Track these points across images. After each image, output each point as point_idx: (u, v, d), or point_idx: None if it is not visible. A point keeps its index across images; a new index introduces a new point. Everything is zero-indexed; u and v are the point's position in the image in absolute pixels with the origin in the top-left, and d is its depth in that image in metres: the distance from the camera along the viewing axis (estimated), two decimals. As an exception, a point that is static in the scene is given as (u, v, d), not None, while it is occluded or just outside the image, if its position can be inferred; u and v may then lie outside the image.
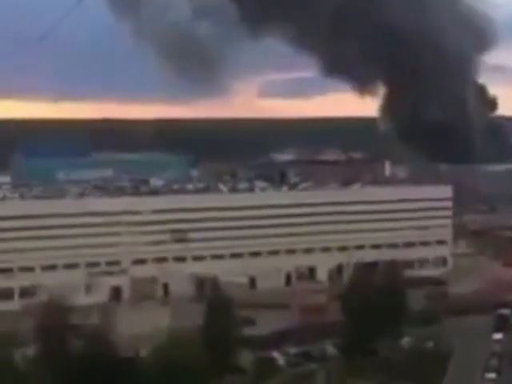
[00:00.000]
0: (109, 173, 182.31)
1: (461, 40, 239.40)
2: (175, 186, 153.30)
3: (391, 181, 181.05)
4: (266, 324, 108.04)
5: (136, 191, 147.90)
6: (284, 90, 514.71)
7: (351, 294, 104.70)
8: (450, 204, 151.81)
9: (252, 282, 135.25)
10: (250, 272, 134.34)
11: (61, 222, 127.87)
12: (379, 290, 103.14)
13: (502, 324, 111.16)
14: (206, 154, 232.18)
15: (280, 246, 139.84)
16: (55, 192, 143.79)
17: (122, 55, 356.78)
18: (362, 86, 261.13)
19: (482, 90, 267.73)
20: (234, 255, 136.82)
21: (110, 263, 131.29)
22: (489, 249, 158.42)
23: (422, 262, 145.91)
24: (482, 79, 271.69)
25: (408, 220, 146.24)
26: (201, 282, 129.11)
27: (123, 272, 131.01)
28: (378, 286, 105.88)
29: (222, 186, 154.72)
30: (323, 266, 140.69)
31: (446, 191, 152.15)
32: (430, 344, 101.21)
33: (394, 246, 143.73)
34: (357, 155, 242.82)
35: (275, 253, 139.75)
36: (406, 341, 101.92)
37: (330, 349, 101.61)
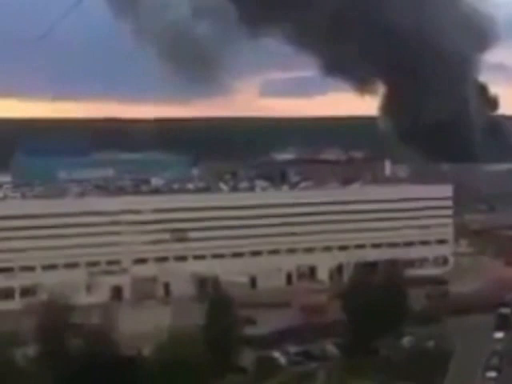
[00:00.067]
0: (109, 172, 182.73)
1: (461, 39, 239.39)
2: (176, 186, 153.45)
3: (391, 180, 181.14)
4: (267, 323, 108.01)
5: (137, 190, 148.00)
6: (284, 90, 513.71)
7: (352, 294, 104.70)
8: (450, 203, 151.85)
9: (253, 282, 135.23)
10: (250, 271, 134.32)
11: (62, 222, 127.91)
12: (380, 290, 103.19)
13: (502, 323, 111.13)
14: (206, 154, 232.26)
15: (281, 245, 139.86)
16: (56, 191, 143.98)
17: (122, 55, 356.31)
18: (363, 85, 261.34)
19: (482, 89, 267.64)
20: (235, 254, 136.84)
21: (110, 262, 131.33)
22: (490, 248, 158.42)
23: (423, 262, 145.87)
24: (482, 78, 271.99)
25: (408, 219, 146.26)
26: (202, 282, 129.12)
27: (124, 271, 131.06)
28: (379, 285, 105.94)
29: (222, 186, 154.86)
30: (324, 265, 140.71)
31: (447, 190, 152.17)
32: (431, 343, 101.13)
33: (394, 245, 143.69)
34: (357, 154, 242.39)
35: (276, 252, 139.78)
36: (406, 340, 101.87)
37: (331, 348, 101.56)
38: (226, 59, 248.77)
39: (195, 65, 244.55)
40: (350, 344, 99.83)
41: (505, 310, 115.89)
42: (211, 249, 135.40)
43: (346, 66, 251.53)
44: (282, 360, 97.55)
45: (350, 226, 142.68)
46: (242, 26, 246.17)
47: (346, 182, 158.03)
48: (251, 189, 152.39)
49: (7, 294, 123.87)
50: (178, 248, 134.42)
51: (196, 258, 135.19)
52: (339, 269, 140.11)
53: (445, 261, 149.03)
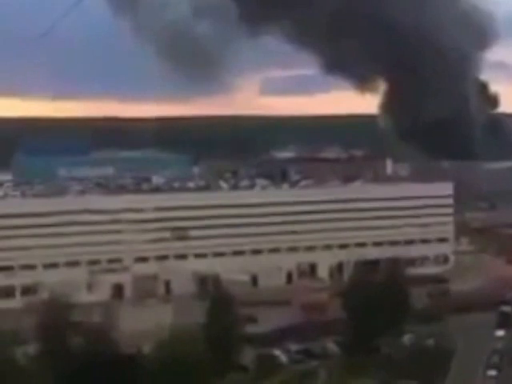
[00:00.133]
0: (110, 171, 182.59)
1: (462, 37, 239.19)
2: (176, 184, 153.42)
3: (392, 178, 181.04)
4: (268, 321, 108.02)
5: (138, 189, 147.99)
6: (285, 88, 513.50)
7: (352, 292, 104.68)
8: (451, 201, 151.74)
9: (254, 280, 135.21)
10: (251, 270, 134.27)
11: (62, 220, 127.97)
12: (380, 288, 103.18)
13: (503, 321, 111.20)
14: (207, 152, 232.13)
15: (281, 243, 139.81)
16: (57, 190, 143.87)
17: (122, 54, 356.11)
18: (363, 83, 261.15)
19: (483, 87, 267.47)
20: (236, 253, 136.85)
21: (111, 261, 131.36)
22: (491, 246, 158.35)
23: (424, 260, 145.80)
24: (483, 76, 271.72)
25: (409, 217, 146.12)
26: (202, 280, 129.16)
27: (125, 270, 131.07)
28: (380, 283, 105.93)
29: (223, 184, 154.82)
30: (324, 263, 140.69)
31: (447, 188, 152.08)
32: (432, 341, 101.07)
33: (395, 243, 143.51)
34: (358, 153, 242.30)
35: (276, 250, 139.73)
36: (407, 338, 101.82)
37: (332, 346, 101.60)
38: (226, 57, 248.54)
39: (195, 63, 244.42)
40: (350, 342, 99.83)
41: (506, 308, 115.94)
42: (212, 247, 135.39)
43: (346, 64, 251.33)
44: (283, 358, 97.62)
45: (351, 224, 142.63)
46: (243, 24, 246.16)
47: (347, 180, 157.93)
48: (252, 187, 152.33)
49: (8, 292, 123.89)
50: (178, 246, 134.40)
51: (197, 256, 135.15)
52: (340, 267, 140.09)
53: (445, 259, 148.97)
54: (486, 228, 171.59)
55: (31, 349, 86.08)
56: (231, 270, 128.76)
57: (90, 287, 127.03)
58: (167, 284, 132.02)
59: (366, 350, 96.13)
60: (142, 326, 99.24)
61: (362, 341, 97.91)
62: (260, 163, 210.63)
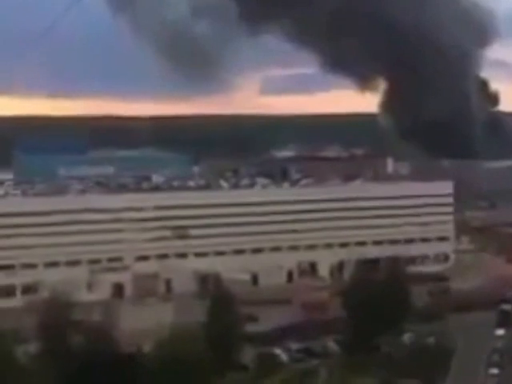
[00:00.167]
0: (110, 170, 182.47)
1: (462, 35, 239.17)
2: (176, 183, 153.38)
3: (393, 177, 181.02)
4: (268, 320, 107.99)
5: (138, 188, 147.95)
6: (285, 87, 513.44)
7: (353, 291, 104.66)
8: (451, 200, 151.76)
9: (254, 279, 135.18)
10: (251, 268, 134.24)
11: (63, 219, 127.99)
12: (381, 286, 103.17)
13: (504, 320, 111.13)
14: (207, 151, 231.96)
15: (282, 242, 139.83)
16: (57, 189, 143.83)
17: (121, 52, 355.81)
18: (363, 81, 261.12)
19: (483, 85, 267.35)
20: (236, 252, 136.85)
21: (112, 260, 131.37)
22: (491, 245, 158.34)
23: (424, 259, 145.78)
24: (483, 75, 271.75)
25: (409, 216, 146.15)
26: (203, 279, 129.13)
27: (125, 268, 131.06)
28: (380, 282, 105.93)
29: (223, 183, 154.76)
30: (325, 262, 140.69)
31: (448, 187, 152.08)
32: (432, 340, 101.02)
33: (395, 242, 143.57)
34: (358, 152, 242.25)
35: (277, 249, 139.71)
36: (407, 337, 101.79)
37: (332, 345, 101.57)
38: (225, 56, 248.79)
39: (195, 62, 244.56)
40: (351, 341, 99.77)
41: (506, 307, 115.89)
42: (212, 246, 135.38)
43: (346, 63, 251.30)
44: (284, 357, 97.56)
45: (351, 222, 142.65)
46: (242, 22, 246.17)
47: (347, 179, 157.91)
48: (252, 186, 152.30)
49: (9, 291, 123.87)
50: (179, 245, 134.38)
51: (197, 255, 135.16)
52: (340, 266, 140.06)
53: (446, 258, 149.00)
54: (486, 227, 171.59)
55: (32, 348, 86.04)
56: (232, 269, 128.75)
57: (90, 286, 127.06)
58: (168, 283, 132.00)
59: (366, 348, 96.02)
60: (142, 324, 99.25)
61: (362, 339, 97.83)
62: (260, 162, 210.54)
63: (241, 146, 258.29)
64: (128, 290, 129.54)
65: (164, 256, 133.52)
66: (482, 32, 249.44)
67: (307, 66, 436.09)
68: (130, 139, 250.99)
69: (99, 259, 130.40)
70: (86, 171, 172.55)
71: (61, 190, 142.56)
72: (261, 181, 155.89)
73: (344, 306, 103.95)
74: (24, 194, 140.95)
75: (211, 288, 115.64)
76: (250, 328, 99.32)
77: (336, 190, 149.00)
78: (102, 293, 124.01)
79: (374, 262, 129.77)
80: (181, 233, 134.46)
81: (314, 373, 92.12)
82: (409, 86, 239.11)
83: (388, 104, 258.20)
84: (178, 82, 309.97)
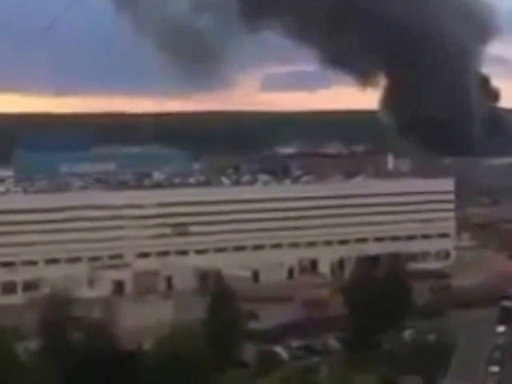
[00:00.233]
0: (111, 167, 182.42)
1: (462, 31, 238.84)
2: (177, 180, 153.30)
3: (394, 174, 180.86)
4: (269, 317, 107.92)
5: (139, 185, 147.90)
6: (286, 83, 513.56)
7: (354, 288, 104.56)
8: (452, 197, 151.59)
9: (255, 276, 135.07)
10: (252, 265, 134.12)
11: (63, 216, 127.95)
12: (382, 284, 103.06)
13: (505, 316, 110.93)
14: (208, 148, 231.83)
15: (283, 239, 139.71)
16: (58, 186, 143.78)
17: (124, 49, 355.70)
18: (364, 78, 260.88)
19: (484, 82, 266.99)
20: (237, 248, 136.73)
21: (112, 257, 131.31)
22: (492, 242, 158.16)
23: (425, 256, 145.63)
24: (484, 71, 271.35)
25: (410, 213, 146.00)
26: (204, 276, 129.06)
27: (126, 266, 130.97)
28: (381, 279, 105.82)
29: (224, 180, 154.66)
30: (326, 259, 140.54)
31: (448, 184, 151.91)
32: (433, 337, 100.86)
33: (396, 239, 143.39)
34: (359, 148, 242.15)
35: (278, 246, 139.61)
36: (408, 333, 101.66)
37: (333, 342, 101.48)
38: (227, 53, 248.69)
39: (196, 59, 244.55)
40: (351, 338, 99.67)
41: (507, 304, 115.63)
42: (213, 243, 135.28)
43: (346, 59, 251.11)
44: (284, 354, 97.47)
45: (352, 219, 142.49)
46: (243, 19, 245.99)
47: (348, 175, 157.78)
48: (253, 183, 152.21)
49: (10, 288, 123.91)
50: (179, 242, 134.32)
51: (198, 251, 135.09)
52: (341, 263, 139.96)
53: (447, 255, 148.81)
54: (488, 223, 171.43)
55: (33, 344, 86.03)
56: (232, 266, 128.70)
57: (91, 283, 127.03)
58: (168, 280, 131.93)
59: (367, 345, 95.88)
60: (142, 321, 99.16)
61: (363, 336, 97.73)
62: (261, 159, 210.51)
63: (242, 142, 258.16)
64: (128, 287, 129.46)
65: (165, 253, 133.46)
66: (482, 28, 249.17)
67: (308, 62, 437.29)
68: (131, 136, 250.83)
69: (100, 256, 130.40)
70: (88, 168, 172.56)
71: (61, 187, 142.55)
72: (262, 177, 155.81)
73: (345, 303, 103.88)
74: (25, 191, 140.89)
75: (212, 285, 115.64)
76: (251, 325, 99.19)
77: (337, 186, 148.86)
78: (103, 290, 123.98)
79: (375, 259, 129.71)
80: (181, 230, 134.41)
81: (314, 370, 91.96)
82: (409, 83, 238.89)
83: (388, 100, 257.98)
84: (180, 79, 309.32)
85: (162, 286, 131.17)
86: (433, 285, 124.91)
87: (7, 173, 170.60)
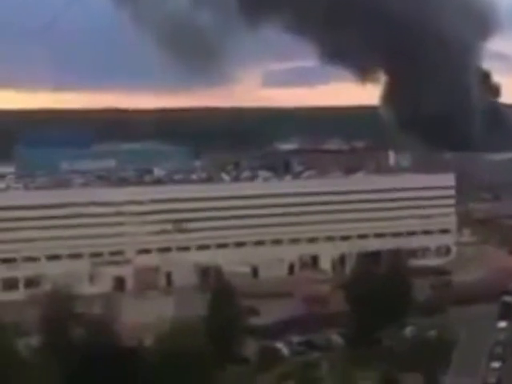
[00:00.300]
0: (111, 163, 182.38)
1: (463, 26, 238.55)
2: (178, 176, 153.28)
3: (394, 170, 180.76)
4: (269, 313, 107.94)
5: (139, 181, 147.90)
6: (286, 80, 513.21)
7: (354, 283, 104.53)
8: (453, 192, 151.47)
9: (255, 272, 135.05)
10: (253, 261, 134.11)
11: (64, 212, 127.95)
12: (383, 280, 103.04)
13: (506, 312, 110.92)
14: (208, 144, 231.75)
15: (283, 235, 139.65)
16: (59, 182, 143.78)
17: (123, 45, 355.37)
18: (364, 73, 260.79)
19: (485, 77, 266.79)
20: (238, 244, 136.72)
21: (113, 253, 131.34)
22: (493, 237, 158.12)
23: (425, 252, 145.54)
24: (484, 67, 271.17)
25: (411, 209, 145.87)
26: (204, 272, 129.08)
27: (127, 262, 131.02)
28: (382, 275, 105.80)
29: (225, 176, 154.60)
30: (326, 255, 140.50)
31: (449, 179, 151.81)
32: (433, 333, 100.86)
33: (397, 234, 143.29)
34: (359, 144, 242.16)
35: (279, 242, 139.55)
36: (408, 330, 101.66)
37: (334, 338, 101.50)
38: (227, 49, 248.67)
39: (196, 55, 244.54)
40: (352, 334, 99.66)
41: (508, 299, 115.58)
42: (214, 239, 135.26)
43: (347, 55, 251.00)
44: (285, 350, 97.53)
45: (353, 215, 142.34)
46: (242, 15, 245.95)
47: (349, 171, 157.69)
48: (254, 179, 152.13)
49: (11, 284, 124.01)
50: (180, 238, 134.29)
51: (198, 248, 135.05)
52: (342, 259, 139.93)
53: (447, 250, 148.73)
54: (489, 219, 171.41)
55: (34, 340, 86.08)
56: (233, 262, 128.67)
57: (92, 279, 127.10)
58: (169, 276, 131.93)
59: (367, 342, 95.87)
60: (143, 318, 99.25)
61: (363, 333, 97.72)
62: (262, 155, 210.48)
63: (242, 138, 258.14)
64: (129, 283, 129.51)
65: (165, 249, 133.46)
66: (483, 24, 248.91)
67: (308, 58, 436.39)
68: (131, 132, 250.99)
69: (101, 252, 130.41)
70: (88, 165, 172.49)
71: (62, 184, 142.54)
72: (262, 173, 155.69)
73: (345, 299, 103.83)
74: (26, 187, 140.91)
75: (212, 281, 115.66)
76: (252, 321, 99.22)
77: (338, 182, 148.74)
78: (104, 286, 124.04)
79: (375, 255, 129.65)
80: (182, 226, 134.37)
81: (315, 366, 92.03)
82: (410, 78, 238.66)
83: (389, 96, 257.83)
84: (180, 75, 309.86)
85: (163, 282, 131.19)
86: (433, 281, 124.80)
87: (8, 169, 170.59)
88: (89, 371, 76.97)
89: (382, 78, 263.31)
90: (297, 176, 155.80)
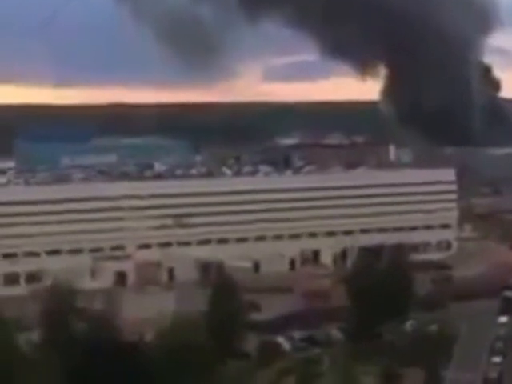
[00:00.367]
0: (112, 158, 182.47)
1: (464, 21, 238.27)
2: (179, 171, 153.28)
3: (395, 164, 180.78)
4: (270, 308, 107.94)
5: (140, 176, 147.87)
6: (286, 74, 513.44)
7: (356, 278, 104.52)
8: (454, 187, 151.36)
9: (256, 267, 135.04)
10: (254, 256, 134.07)
11: (65, 207, 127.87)
12: (384, 274, 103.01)
13: (507, 307, 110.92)
14: (209, 139, 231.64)
15: (284, 230, 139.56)
16: (59, 177, 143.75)
17: (123, 40, 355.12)
18: (364, 68, 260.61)
19: (486, 72, 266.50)
20: (239, 240, 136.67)
21: (114, 248, 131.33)
22: (494, 232, 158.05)
23: (426, 246, 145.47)
24: (485, 61, 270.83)
25: (412, 204, 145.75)
26: (205, 267, 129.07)
27: (128, 257, 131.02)
28: (383, 270, 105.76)
29: (226, 171, 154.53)
30: (327, 250, 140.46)
31: (450, 174, 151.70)
32: (434, 327, 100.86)
33: (398, 229, 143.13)
34: (360, 139, 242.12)
35: (280, 237, 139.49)
36: (409, 324, 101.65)
37: (335, 333, 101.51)
38: (227, 44, 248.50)
39: (197, 49, 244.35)
40: (353, 329, 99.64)
41: (509, 294, 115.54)
42: (214, 234, 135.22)
43: (347, 49, 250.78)
44: (286, 345, 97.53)
45: (354, 210, 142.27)
46: (242, 10, 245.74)
47: (350, 166, 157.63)
48: (254, 173, 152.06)
49: (12, 279, 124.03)
50: (181, 233, 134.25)
51: (199, 243, 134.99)
52: (343, 254, 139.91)
53: (448, 245, 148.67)
54: (490, 214, 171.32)
55: (35, 335, 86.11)
56: (234, 257, 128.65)
57: (93, 274, 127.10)
58: (170, 271, 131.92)
59: (368, 336, 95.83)
60: (144, 313, 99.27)
61: (364, 328, 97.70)
62: (263, 150, 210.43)
63: (243, 133, 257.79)
64: (131, 278, 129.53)
65: (166, 244, 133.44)
66: (483, 18, 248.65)
67: (308, 53, 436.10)
68: (132, 127, 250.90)
69: (102, 247, 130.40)
70: (89, 160, 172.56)
71: (63, 179, 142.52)
72: (263, 168, 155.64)
73: (346, 294, 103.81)
74: (26, 182, 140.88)
75: (213, 276, 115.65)
76: (253, 316, 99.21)
77: (339, 177, 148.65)
78: (105, 281, 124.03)
79: (376, 250, 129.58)
80: (183, 221, 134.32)
81: (316, 361, 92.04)
82: (410, 73, 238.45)
83: (389, 91, 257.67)
84: (180, 70, 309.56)
85: (164, 277, 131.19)
86: (434, 276, 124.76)
87: (8, 164, 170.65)
88: (90, 366, 76.99)
89: (383, 72, 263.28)
90: (297, 171, 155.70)
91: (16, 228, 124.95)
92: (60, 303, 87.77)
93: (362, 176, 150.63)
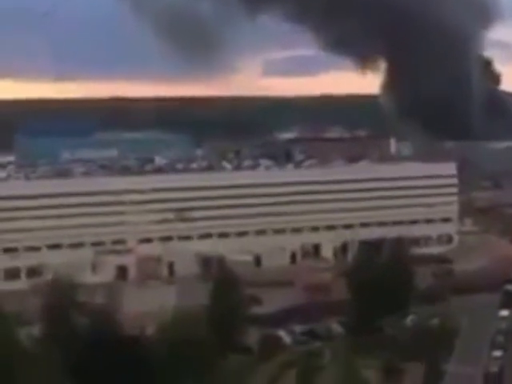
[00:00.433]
0: (113, 152, 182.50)
1: (464, 15, 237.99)
2: (180, 165, 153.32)
3: (396, 158, 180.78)
4: (271, 302, 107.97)
5: (141, 170, 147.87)
6: (286, 69, 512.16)
7: (356, 272, 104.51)
8: (455, 181, 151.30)
9: (257, 260, 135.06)
10: (255, 250, 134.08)
11: (66, 202, 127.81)
12: (384, 268, 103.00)
13: (508, 301, 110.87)
14: (210, 133, 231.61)
15: (285, 224, 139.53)
16: (60, 171, 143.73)
17: (124, 34, 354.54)
18: (364, 62, 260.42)
19: (486, 65, 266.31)
20: (239, 233, 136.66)
21: (115, 242, 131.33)
22: (495, 226, 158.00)
23: (427, 240, 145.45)
24: (485, 55, 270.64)
25: (413, 197, 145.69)
26: (206, 261, 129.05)
27: (129, 251, 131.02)
28: (384, 263, 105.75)
29: (226, 165, 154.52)
30: (328, 243, 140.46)
31: (451, 168, 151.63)
32: (435, 321, 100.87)
33: (399, 223, 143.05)
34: (360, 133, 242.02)
35: (280, 231, 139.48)
36: (410, 318, 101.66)
37: (336, 327, 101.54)
38: (227, 38, 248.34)
39: (197, 44, 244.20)
40: (354, 323, 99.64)
41: (510, 288, 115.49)
42: (215, 228, 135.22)
43: (347, 43, 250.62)
44: (288, 339, 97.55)
45: (354, 204, 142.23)
46: (242, 4, 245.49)
47: (351, 160, 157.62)
48: (255, 167, 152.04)
49: (13, 274, 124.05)
50: (182, 227, 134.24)
51: (200, 237, 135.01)
52: (344, 247, 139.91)
53: (449, 239, 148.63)
54: (490, 208, 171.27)
55: (36, 330, 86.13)
56: (235, 251, 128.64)
57: (94, 268, 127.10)
58: (171, 265, 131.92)
59: (369, 330, 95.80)
60: (145, 307, 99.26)
61: (365, 321, 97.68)
62: (263, 144, 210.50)
63: (243, 127, 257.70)
64: (132, 273, 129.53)
65: (167, 238, 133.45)
66: (483, 12, 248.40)
67: (308, 47, 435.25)
68: (133, 121, 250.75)
69: (103, 241, 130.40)
70: (90, 154, 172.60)
71: (63, 173, 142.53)
72: (264, 162, 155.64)
73: (347, 287, 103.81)
74: (27, 177, 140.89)
75: (214, 270, 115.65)
76: (254, 310, 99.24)
77: (339, 171, 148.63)
78: (106, 275, 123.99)
79: (377, 244, 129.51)
80: (184, 215, 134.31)
81: (317, 355, 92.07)
82: (410, 67, 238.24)
83: (389, 85, 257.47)
84: (180, 64, 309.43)
85: (165, 271, 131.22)
86: (435, 269, 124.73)
87: (9, 159, 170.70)
88: (91, 360, 77.01)
89: (383, 66, 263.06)
90: (298, 165, 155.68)
91: (16, 222, 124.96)
92: (61, 297, 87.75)
93: (362, 170, 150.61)
